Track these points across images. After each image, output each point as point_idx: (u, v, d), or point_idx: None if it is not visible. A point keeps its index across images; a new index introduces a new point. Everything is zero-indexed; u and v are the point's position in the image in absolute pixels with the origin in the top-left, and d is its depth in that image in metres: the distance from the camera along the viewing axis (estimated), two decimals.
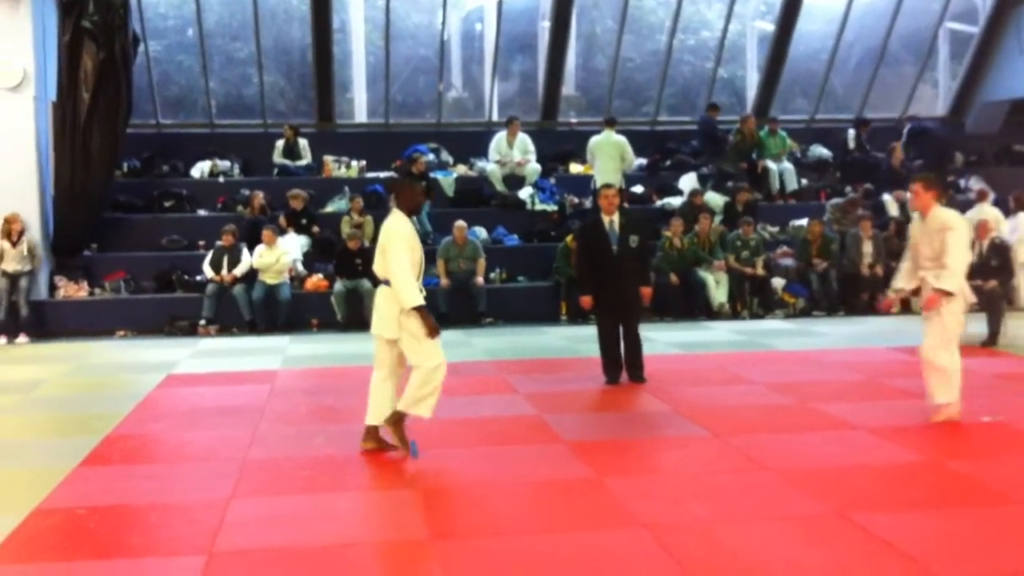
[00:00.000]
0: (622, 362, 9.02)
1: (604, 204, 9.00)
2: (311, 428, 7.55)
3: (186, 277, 13.56)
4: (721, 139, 16.35)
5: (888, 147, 16.36)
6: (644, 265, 9.27)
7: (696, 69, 18.25)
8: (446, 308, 13.06)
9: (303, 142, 15.84)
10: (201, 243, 14.12)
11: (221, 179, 15.65)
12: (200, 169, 15.74)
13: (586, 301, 9.10)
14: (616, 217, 8.94)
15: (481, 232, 14.41)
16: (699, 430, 7.20)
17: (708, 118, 16.55)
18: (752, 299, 13.76)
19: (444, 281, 13.27)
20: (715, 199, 15.18)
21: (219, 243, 13.33)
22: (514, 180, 15.45)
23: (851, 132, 17.00)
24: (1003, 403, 7.92)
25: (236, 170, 15.91)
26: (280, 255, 13.16)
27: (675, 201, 15.36)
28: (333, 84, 16.65)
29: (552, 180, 15.70)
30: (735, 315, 13.47)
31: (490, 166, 15.60)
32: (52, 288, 13.45)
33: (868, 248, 14.05)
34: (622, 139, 14.71)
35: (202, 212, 15.01)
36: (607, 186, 9.51)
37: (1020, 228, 13.69)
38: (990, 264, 10.90)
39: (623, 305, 8.94)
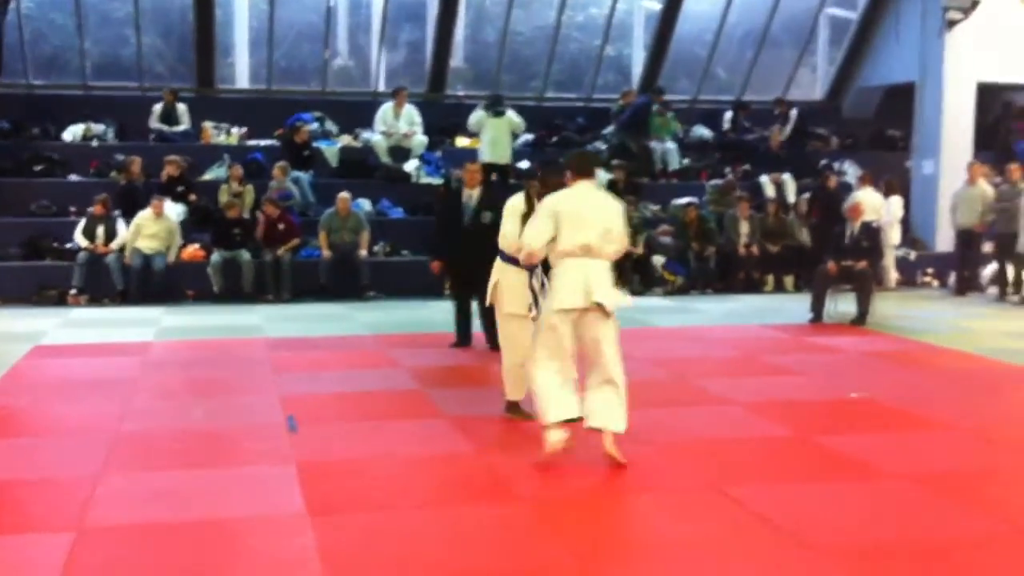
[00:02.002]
0: (470, 332, 9.38)
1: (466, 177, 9.22)
2: (185, 401, 7.38)
3: (56, 245, 13.05)
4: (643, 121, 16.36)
5: (768, 129, 16.70)
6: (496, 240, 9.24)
7: (584, 46, 18.32)
8: (327, 281, 12.91)
9: (182, 107, 15.38)
10: (73, 209, 13.60)
11: (95, 143, 15.08)
12: (73, 132, 15.14)
13: (435, 266, 9.46)
14: (476, 191, 9.06)
15: (365, 204, 14.25)
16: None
17: (649, 100, 16.48)
18: (633, 276, 13.93)
19: (326, 253, 13.09)
20: (600, 177, 15.28)
21: (91, 210, 12.86)
22: (400, 152, 15.29)
23: (727, 114, 17.31)
24: (871, 380, 8.20)
25: (111, 134, 15.36)
26: (169, 226, 12.79)
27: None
28: (215, 47, 16.17)
29: (438, 153, 15.60)
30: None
31: (376, 137, 15.41)
32: None
33: (745, 228, 14.37)
34: (514, 115, 14.70)
35: (74, 177, 14.46)
36: (472, 162, 9.67)
37: (892, 211, 14.16)
38: (861, 245, 11.23)
39: (471, 279, 8.88)
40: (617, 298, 5.77)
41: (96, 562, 4.42)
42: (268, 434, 6.45)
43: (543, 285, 6.13)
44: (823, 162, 16.49)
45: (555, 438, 5.71)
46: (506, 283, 6.51)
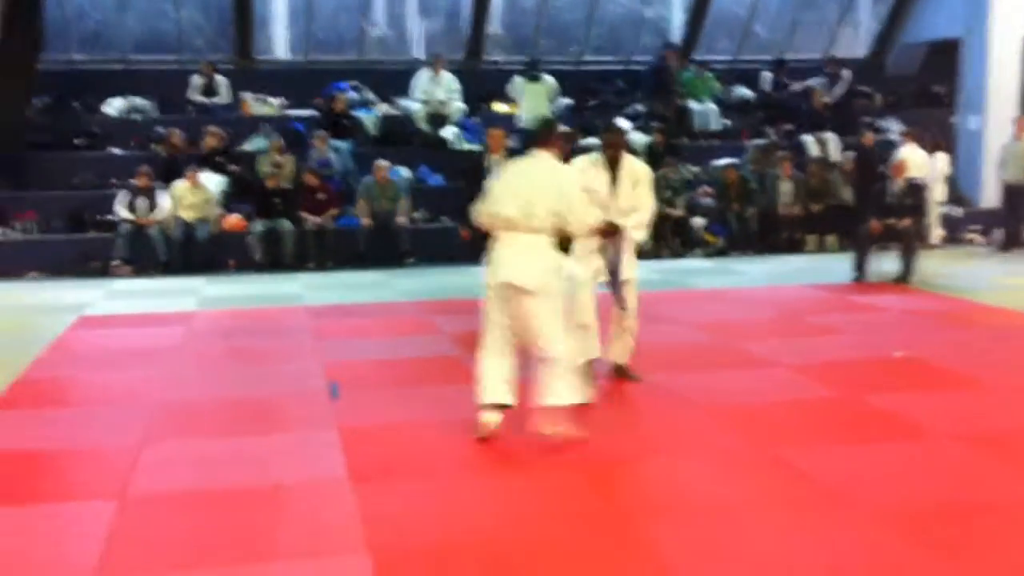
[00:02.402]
0: None
1: (490, 142, 9.13)
2: (229, 369, 7.43)
3: (99, 217, 13.17)
4: (670, 81, 16.24)
5: (809, 89, 16.44)
6: None
7: (623, 9, 18.10)
8: (367, 248, 12.92)
9: (221, 79, 15.41)
10: (114, 182, 13.69)
11: (136, 117, 15.18)
12: (114, 106, 15.24)
13: (464, 233, 9.33)
14: (498, 156, 8.95)
15: (404, 172, 14.21)
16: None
17: (664, 58, 16.37)
18: (673, 238, 13.83)
19: (366, 221, 13.09)
20: (638, 140, 15.16)
21: (134, 182, 12.95)
22: (438, 119, 15.22)
23: (767, 75, 17.06)
24: (915, 339, 8.08)
25: (151, 108, 15.45)
26: (206, 196, 12.87)
27: (597, 140, 15.28)
28: (252, 19, 16.16)
29: (477, 120, 15.52)
30: (656, 254, 13.52)
31: (414, 105, 15.35)
32: None
33: (787, 188, 14.18)
34: (551, 80, 14.61)
35: (116, 151, 14.56)
36: (494, 126, 9.49)
37: (937, 168, 13.92)
38: (904, 202, 11.05)
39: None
40: (536, 277, 5.37)
41: (140, 529, 4.46)
42: (310, 401, 6.47)
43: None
44: (866, 120, 16.22)
45: (484, 419, 5.54)
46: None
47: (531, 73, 14.59)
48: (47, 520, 4.62)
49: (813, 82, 16.73)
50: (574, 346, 5.77)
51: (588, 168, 6.40)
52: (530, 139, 5.75)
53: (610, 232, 6.15)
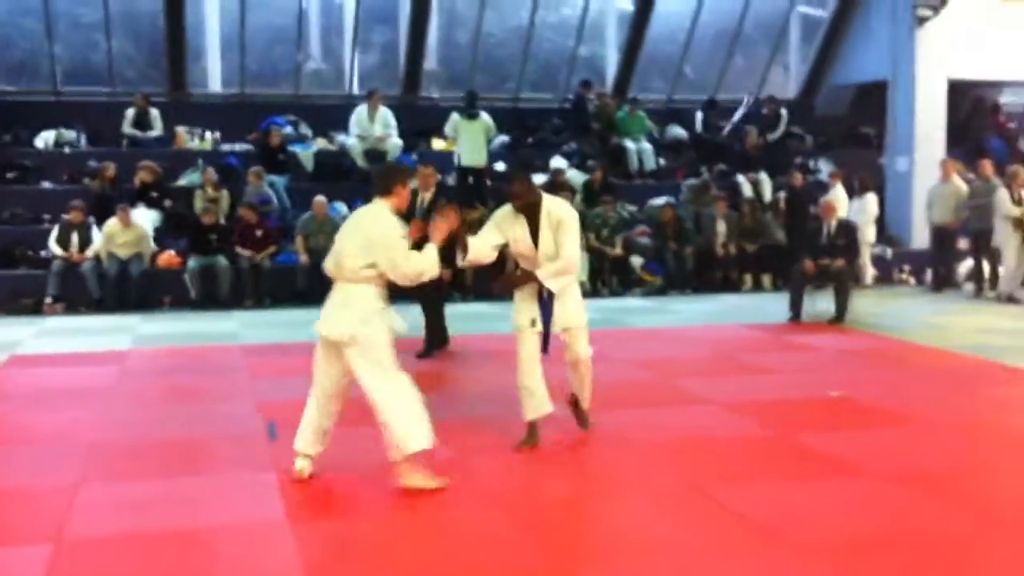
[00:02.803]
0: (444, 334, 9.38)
1: (420, 181, 9.10)
2: (163, 409, 7.33)
3: (30, 253, 12.93)
4: (591, 116, 16.52)
5: (741, 130, 16.76)
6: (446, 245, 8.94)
7: (557, 47, 18.33)
8: (305, 286, 12.84)
9: (154, 112, 15.27)
10: (46, 217, 13.49)
11: (67, 150, 14.97)
12: (44, 139, 15.01)
13: None
14: (429, 195, 9.02)
15: (342, 208, 14.19)
16: (559, 407, 7.23)
17: (581, 95, 16.70)
18: (612, 277, 13.96)
19: (304, 258, 13.01)
20: (576, 178, 15.32)
21: (66, 218, 12.76)
22: (376, 155, 15.22)
23: (699, 115, 17.35)
24: (849, 378, 8.24)
25: (83, 140, 15.24)
26: (139, 234, 12.71)
27: (537, 178, 15.41)
28: (186, 52, 16.06)
29: (414, 156, 15.55)
30: (595, 293, 13.64)
31: (351, 140, 15.35)
32: None
33: (722, 228, 14.41)
34: (487, 118, 14.74)
35: (47, 184, 14.34)
36: (425, 164, 9.57)
37: (866, 209, 14.25)
38: (837, 243, 11.28)
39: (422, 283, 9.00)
40: (339, 327, 5.33)
41: (76, 575, 4.37)
42: (247, 441, 6.41)
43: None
44: (797, 160, 16.57)
45: (296, 466, 5.59)
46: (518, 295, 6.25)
47: (468, 111, 14.68)
48: None
49: (739, 118, 17.02)
50: (525, 404, 6.06)
51: (507, 218, 6.07)
52: (373, 187, 5.65)
53: (520, 281, 6.13)
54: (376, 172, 5.96)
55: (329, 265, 5.51)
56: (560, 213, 5.99)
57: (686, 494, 5.35)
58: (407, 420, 5.33)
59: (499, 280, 6.45)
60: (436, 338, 9.33)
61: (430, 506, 5.20)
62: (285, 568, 4.42)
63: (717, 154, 16.75)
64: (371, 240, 5.31)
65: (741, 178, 15.80)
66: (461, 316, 11.68)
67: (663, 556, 4.53)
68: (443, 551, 4.60)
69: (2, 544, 4.76)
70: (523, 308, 6.13)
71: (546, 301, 6.07)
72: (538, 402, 6.18)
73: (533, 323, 6.09)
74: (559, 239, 5.96)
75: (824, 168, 16.49)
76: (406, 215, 8.90)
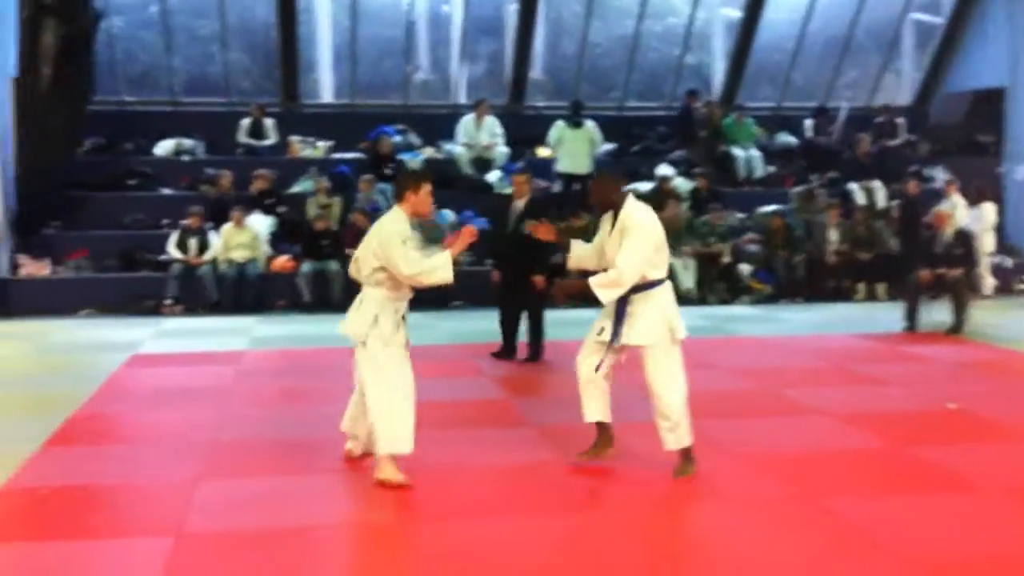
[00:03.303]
0: (515, 343, 9.38)
1: (514, 188, 9.32)
2: (279, 409, 7.51)
3: (150, 256, 13.40)
4: (698, 124, 16.40)
5: (854, 137, 16.44)
6: (541, 252, 8.70)
7: (663, 56, 18.25)
8: (413, 291, 12.98)
9: (269, 122, 15.69)
10: (165, 222, 13.96)
11: (185, 158, 15.47)
12: (164, 147, 15.55)
13: (494, 275, 9.47)
14: (522, 202, 9.14)
15: (449, 215, 14.35)
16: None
17: (687, 103, 16.60)
18: (719, 285, 13.83)
19: None
20: (683, 185, 15.23)
21: (185, 223, 13.19)
22: (482, 163, 15.39)
23: (808, 122, 17.07)
24: (966, 390, 8.01)
25: (201, 149, 15.74)
26: (252, 235, 13.07)
27: (642, 186, 15.38)
28: (298, 64, 16.49)
29: (520, 164, 15.65)
30: (702, 300, 13.54)
31: (458, 149, 15.54)
32: (14, 266, 13.24)
33: (834, 236, 14.16)
34: (592, 126, 14.79)
35: (166, 191, 14.84)
36: (520, 172, 9.68)
37: (984, 218, 13.85)
38: (954, 252, 11.00)
39: (516, 287, 9.19)
40: (351, 327, 5.70)
41: (195, 567, 4.52)
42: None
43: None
44: (912, 168, 16.17)
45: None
46: None
47: (573, 119, 14.75)
48: (104, 555, 4.70)
49: (840, 124, 16.63)
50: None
51: (604, 222, 5.88)
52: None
53: (570, 288, 5.98)
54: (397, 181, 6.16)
55: (352, 270, 5.79)
56: (630, 220, 5.58)
57: (795, 505, 5.28)
58: (393, 423, 5.54)
59: (556, 286, 6.42)
60: (539, 344, 9.39)
61: (532, 511, 5.23)
62: (394, 568, 4.50)
63: (828, 162, 16.45)
64: (379, 244, 5.55)
65: (854, 186, 15.50)
66: (567, 322, 11.71)
67: (771, 567, 4.47)
68: (545, 556, 4.61)
69: (128, 535, 4.95)
70: (600, 318, 5.88)
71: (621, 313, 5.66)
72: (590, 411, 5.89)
73: (601, 332, 5.77)
74: (623, 246, 5.56)
75: (939, 176, 16.07)
76: (500, 220, 9.08)
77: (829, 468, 5.96)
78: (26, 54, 13.06)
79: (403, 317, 5.80)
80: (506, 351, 9.38)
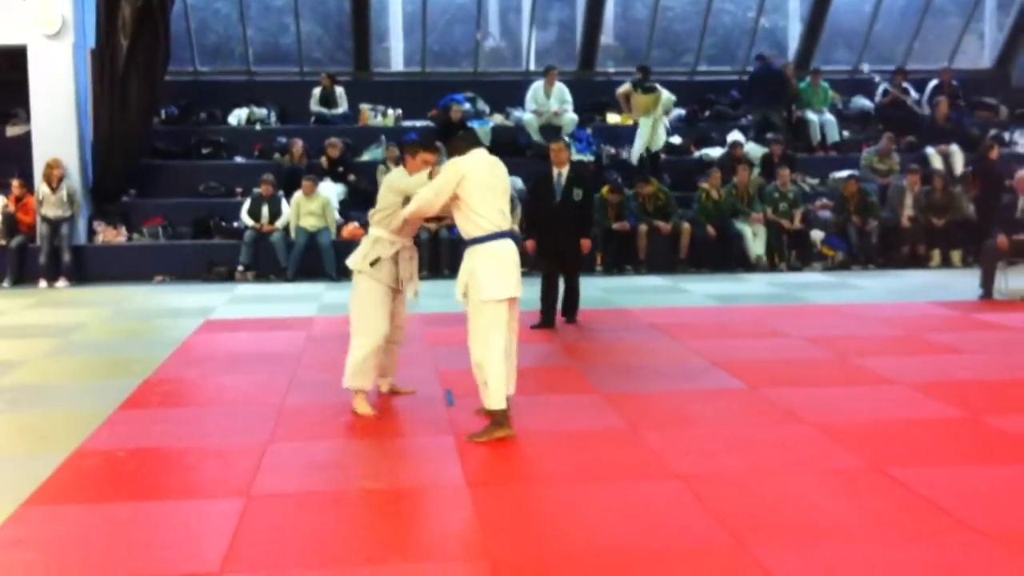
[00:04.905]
0: (554, 311, 9.39)
1: (553, 156, 9.39)
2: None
3: (223, 224, 13.61)
4: (773, 86, 16.00)
5: (933, 100, 16.04)
6: (586, 217, 9.59)
7: (737, 19, 17.95)
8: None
9: (340, 90, 15.80)
10: (239, 190, 14.18)
11: (258, 127, 15.65)
12: (237, 116, 15.76)
13: (529, 245, 9.52)
14: (565, 170, 9.28)
15: (517, 182, 14.31)
16: (735, 382, 7.16)
17: (761, 66, 16.23)
18: (790, 252, 13.64)
19: None
20: (755, 150, 15.01)
21: (257, 191, 13.36)
22: (551, 130, 15.31)
23: (884, 86, 16.67)
24: None
25: (273, 118, 15.91)
26: (323, 202, 13.19)
27: (714, 152, 15.21)
28: (370, 32, 16.55)
29: (589, 130, 15.57)
30: (772, 267, 13.37)
31: (527, 116, 15.48)
32: (91, 233, 13.55)
33: (910, 200, 13.86)
34: (664, 91, 14.68)
35: (239, 159, 15.05)
36: (556, 140, 10.00)
37: None
38: None
39: (561, 253, 9.34)
40: (350, 260, 6.50)
41: (265, 528, 4.59)
42: (426, 406, 6.59)
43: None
44: (991, 132, 15.75)
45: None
46: None
47: (644, 84, 14.60)
48: (176, 515, 4.80)
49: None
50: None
51: None
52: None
53: None
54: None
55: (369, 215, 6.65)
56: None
57: (868, 475, 5.19)
58: (356, 361, 6.33)
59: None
60: (575, 304, 9.51)
61: (608, 478, 5.22)
62: (464, 531, 4.53)
63: (907, 126, 16.07)
64: (386, 188, 6.41)
65: (931, 150, 15.14)
66: (633, 289, 11.67)
67: (842, 537, 4.41)
68: (619, 523, 4.61)
69: (199, 496, 5.06)
70: None
71: None
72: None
73: None
74: None
75: (1021, 141, 15.62)
76: (543, 188, 9.29)
77: (902, 438, 5.86)
78: (104, 26, 13.31)
79: (410, 258, 6.53)
80: (547, 322, 9.34)
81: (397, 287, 6.48)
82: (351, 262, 6.44)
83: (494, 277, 5.79)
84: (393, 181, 6.38)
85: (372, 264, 6.34)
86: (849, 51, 17.76)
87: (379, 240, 6.38)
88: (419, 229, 6.76)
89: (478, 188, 5.81)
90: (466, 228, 5.89)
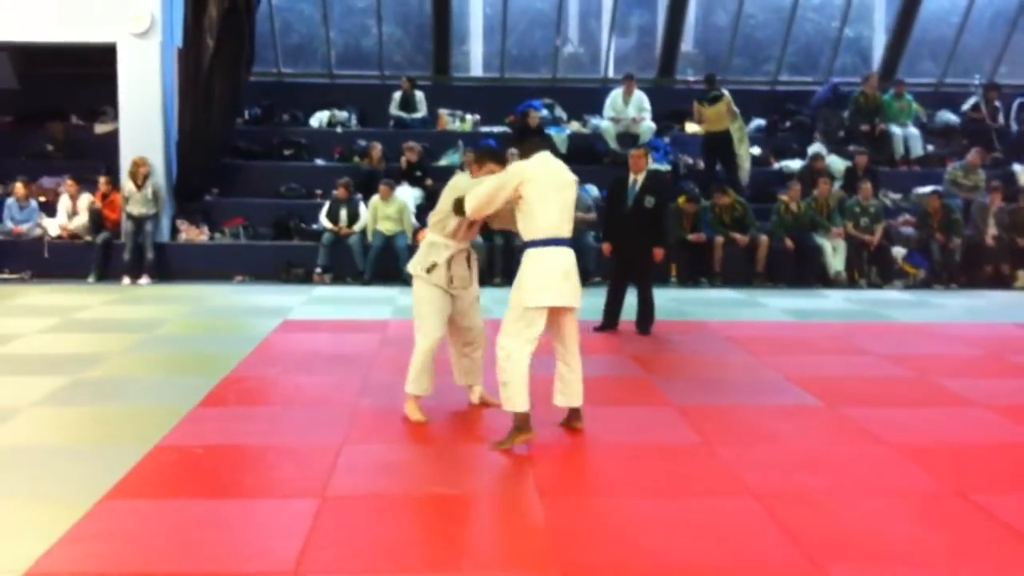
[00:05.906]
0: (618, 315, 9.55)
1: (632, 162, 9.47)
2: None
3: (303, 225, 13.79)
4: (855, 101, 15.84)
5: (1021, 116, 15.67)
6: (659, 225, 9.52)
7: (820, 27, 17.73)
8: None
9: (419, 94, 15.92)
10: (318, 192, 14.36)
11: (339, 129, 15.84)
12: (318, 119, 15.96)
13: (606, 249, 9.69)
14: (641, 176, 9.35)
15: (592, 190, 14.30)
16: (812, 400, 7.07)
17: (831, 86, 16.07)
18: (870, 268, 13.40)
19: None
20: (836, 163, 14.80)
21: (335, 194, 13.52)
22: (628, 138, 15.26)
23: (972, 99, 16.33)
24: None
25: (353, 121, 16.09)
26: (400, 206, 13.29)
27: (793, 164, 15.03)
28: (450, 36, 16.66)
29: (666, 139, 15.49)
30: (852, 283, 13.15)
31: (604, 123, 15.45)
32: (174, 231, 13.82)
33: (991, 219, 13.54)
34: (727, 96, 14.59)
35: (319, 161, 15.24)
36: (636, 146, 10.27)
37: None
38: None
39: (632, 260, 9.40)
40: (411, 265, 6.55)
41: (338, 530, 4.64)
42: (500, 413, 6.56)
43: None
44: None
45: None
46: None
47: (709, 95, 14.53)
48: (252, 514, 4.87)
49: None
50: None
51: None
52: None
53: None
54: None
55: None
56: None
57: (949, 500, 5.09)
58: (413, 364, 6.45)
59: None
60: (649, 316, 9.55)
61: (680, 492, 5.19)
62: (532, 540, 4.53)
63: (992, 141, 15.72)
64: (449, 191, 6.41)
65: (1018, 168, 14.79)
66: (707, 302, 11.57)
67: (921, 564, 4.33)
68: (690, 538, 4.57)
69: (274, 496, 5.12)
70: None
71: None
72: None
73: None
74: None
75: None
76: (618, 195, 9.41)
77: (983, 462, 5.73)
78: (191, 26, 13.59)
79: (468, 261, 6.53)
80: (607, 324, 9.55)
81: (454, 291, 6.49)
82: (410, 266, 6.55)
83: (536, 285, 5.83)
84: (455, 185, 6.45)
85: (428, 271, 6.38)
86: (934, 63, 17.43)
87: (433, 244, 6.45)
88: (475, 235, 6.72)
89: (539, 191, 5.86)
90: (524, 231, 5.95)
